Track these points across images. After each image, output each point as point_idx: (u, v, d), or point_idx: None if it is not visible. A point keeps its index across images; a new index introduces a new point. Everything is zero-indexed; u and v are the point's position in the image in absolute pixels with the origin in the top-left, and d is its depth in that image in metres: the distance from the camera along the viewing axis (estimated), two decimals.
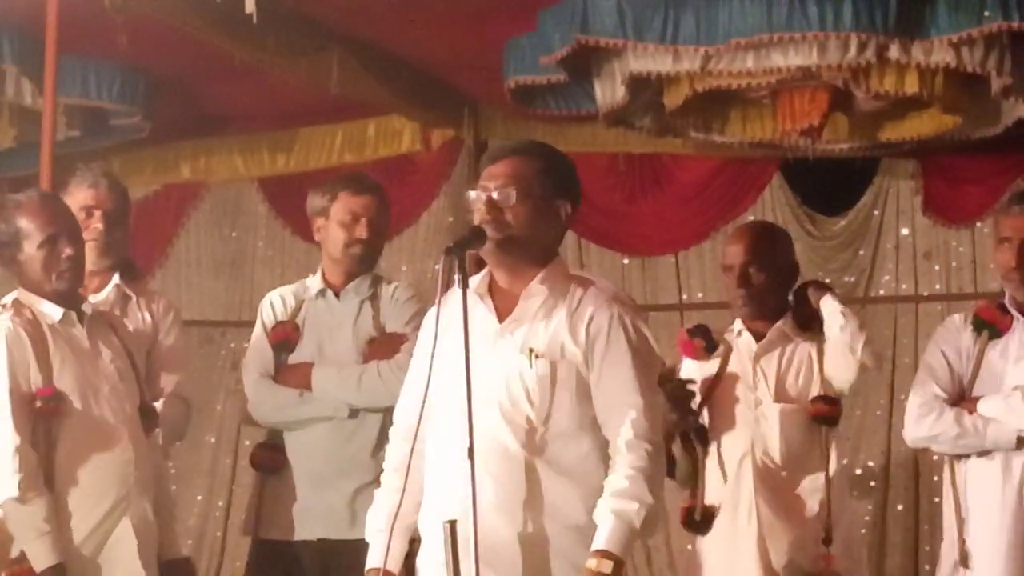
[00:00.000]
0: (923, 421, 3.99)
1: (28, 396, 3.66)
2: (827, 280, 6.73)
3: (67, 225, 3.79)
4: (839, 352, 4.05)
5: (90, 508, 3.71)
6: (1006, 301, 4.04)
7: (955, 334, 4.06)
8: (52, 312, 3.77)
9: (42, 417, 3.67)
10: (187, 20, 5.09)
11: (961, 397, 3.99)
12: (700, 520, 4.10)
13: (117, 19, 4.76)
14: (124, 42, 4.93)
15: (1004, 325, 4.00)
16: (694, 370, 4.23)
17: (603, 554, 2.92)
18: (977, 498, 3.95)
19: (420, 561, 3.13)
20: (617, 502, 2.95)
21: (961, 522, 3.96)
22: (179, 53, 5.83)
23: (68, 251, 3.75)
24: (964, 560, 3.93)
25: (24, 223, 3.76)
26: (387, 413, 4.28)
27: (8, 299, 3.85)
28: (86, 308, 3.85)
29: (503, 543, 2.96)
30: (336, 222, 4.32)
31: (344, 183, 4.40)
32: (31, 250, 3.75)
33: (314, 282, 4.37)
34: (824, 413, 4.06)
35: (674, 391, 4.07)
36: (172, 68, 6.18)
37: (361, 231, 4.29)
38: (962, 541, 3.94)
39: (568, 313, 3.07)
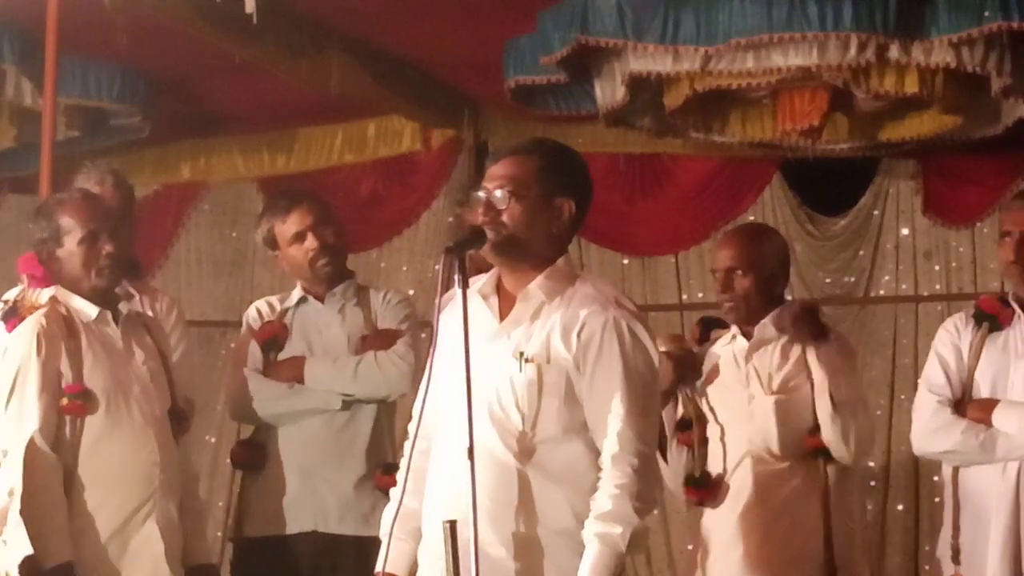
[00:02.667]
0: (934, 437, 4.04)
1: (56, 393, 3.68)
2: (827, 280, 6.81)
3: (107, 223, 3.82)
4: (831, 439, 4.07)
5: (114, 509, 3.73)
6: (1009, 296, 4.07)
7: (954, 334, 4.10)
8: (87, 310, 3.80)
9: (68, 414, 3.69)
10: (187, 20, 5.08)
11: (963, 395, 4.02)
12: (703, 481, 4.12)
13: (117, 19, 4.76)
14: (124, 42, 4.94)
15: (1005, 318, 4.05)
16: None
17: None
18: (973, 497, 3.98)
19: (419, 555, 3.14)
20: (601, 525, 2.93)
21: (956, 520, 3.98)
22: (179, 53, 5.82)
23: (108, 248, 3.78)
24: (955, 556, 3.97)
25: (65, 220, 3.79)
26: (381, 407, 4.31)
27: (44, 294, 3.88)
28: (122, 308, 3.88)
29: (494, 549, 2.94)
30: (286, 249, 4.34)
31: (271, 212, 4.43)
32: (71, 246, 3.78)
33: (296, 292, 4.40)
34: (822, 445, 4.07)
35: (679, 353, 4.18)
36: (172, 68, 6.17)
37: (311, 244, 4.29)
38: (955, 538, 3.97)
39: (562, 316, 3.04)
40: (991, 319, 4.06)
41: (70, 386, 3.71)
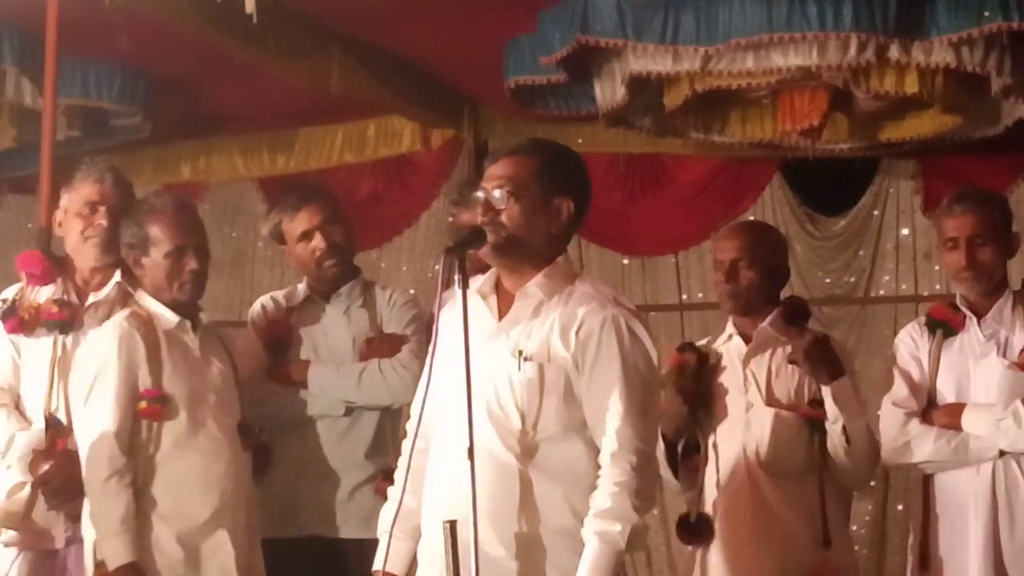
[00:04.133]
0: (907, 449, 4.04)
1: (135, 397, 3.71)
2: (827, 280, 6.81)
3: (196, 238, 3.85)
4: (843, 474, 4.04)
5: (188, 515, 3.75)
6: (957, 300, 4.09)
7: (911, 345, 4.14)
8: (168, 316, 3.83)
9: (145, 418, 3.71)
10: (187, 20, 5.08)
11: (928, 403, 4.05)
12: (696, 526, 4.06)
13: (117, 19, 4.76)
14: (124, 42, 4.94)
15: (957, 323, 4.07)
16: None
17: None
18: (950, 501, 3.98)
19: (419, 553, 3.15)
20: (600, 523, 2.93)
21: (926, 527, 3.99)
22: (179, 53, 5.82)
23: (193, 264, 3.80)
24: (925, 563, 3.97)
25: (155, 230, 3.81)
26: (384, 412, 4.29)
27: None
28: (203, 317, 3.91)
29: (493, 548, 2.94)
30: (293, 247, 4.33)
31: (280, 207, 4.41)
32: (157, 257, 3.82)
33: (303, 289, 4.38)
34: (820, 416, 4.05)
35: (680, 381, 4.07)
36: (172, 68, 6.17)
37: (319, 244, 4.28)
38: (924, 546, 3.98)
39: (561, 315, 3.05)
40: (944, 326, 4.08)
41: (148, 390, 3.72)
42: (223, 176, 7.67)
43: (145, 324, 3.79)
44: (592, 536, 2.93)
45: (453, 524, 2.86)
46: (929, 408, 4.05)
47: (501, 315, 3.10)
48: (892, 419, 4.08)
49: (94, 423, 3.70)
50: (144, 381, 3.73)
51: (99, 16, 4.73)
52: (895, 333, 6.60)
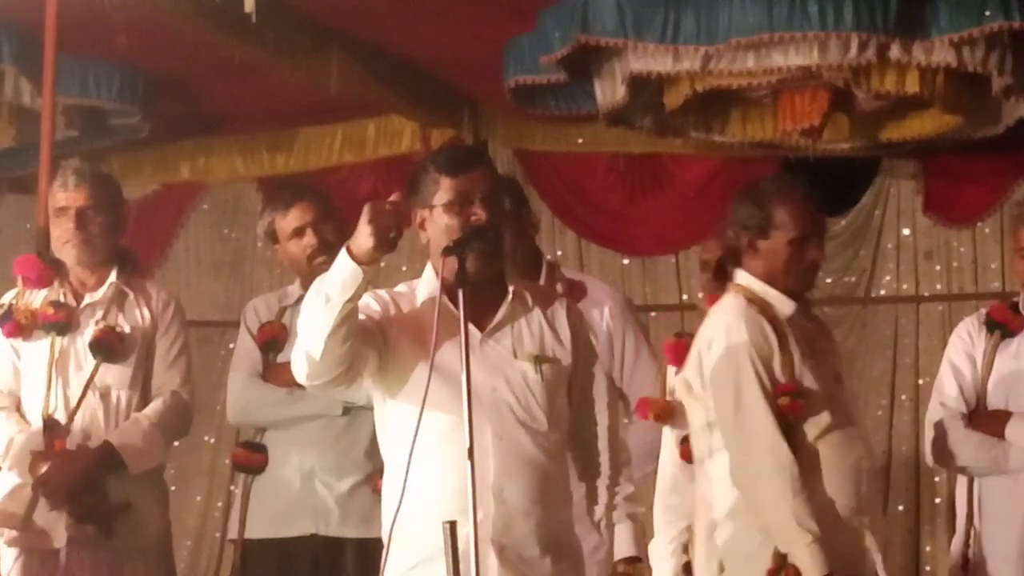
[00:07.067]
0: (948, 452, 4.00)
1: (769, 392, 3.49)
2: (827, 280, 6.80)
3: (820, 227, 3.68)
4: None
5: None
6: (1020, 302, 4.03)
7: (967, 342, 4.04)
8: (783, 307, 3.60)
9: (788, 415, 3.46)
10: (187, 20, 5.07)
11: (977, 405, 3.98)
12: None
13: (117, 19, 4.75)
14: (124, 42, 4.93)
15: (1016, 326, 4.00)
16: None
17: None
18: (988, 505, 3.95)
19: (411, 552, 3.10)
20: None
21: (968, 528, 3.95)
22: (179, 53, 5.81)
23: (813, 255, 3.62)
24: (964, 565, 3.94)
25: (780, 214, 3.61)
26: None
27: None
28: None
29: (529, 550, 3.02)
30: (285, 244, 4.33)
31: (272, 205, 4.41)
32: (779, 243, 3.61)
33: (295, 289, 4.38)
34: None
35: None
36: (172, 68, 6.17)
37: (310, 240, 4.28)
38: (966, 547, 3.94)
39: (549, 316, 3.18)
40: (1002, 327, 4.01)
41: (785, 385, 3.48)
42: (223, 176, 7.66)
43: (765, 312, 3.55)
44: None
45: (453, 524, 2.84)
46: (977, 412, 3.99)
47: (481, 319, 3.12)
48: (937, 418, 4.03)
49: (750, 425, 3.45)
50: (777, 374, 3.49)
51: (98, 16, 4.73)
52: (896, 333, 6.71)
